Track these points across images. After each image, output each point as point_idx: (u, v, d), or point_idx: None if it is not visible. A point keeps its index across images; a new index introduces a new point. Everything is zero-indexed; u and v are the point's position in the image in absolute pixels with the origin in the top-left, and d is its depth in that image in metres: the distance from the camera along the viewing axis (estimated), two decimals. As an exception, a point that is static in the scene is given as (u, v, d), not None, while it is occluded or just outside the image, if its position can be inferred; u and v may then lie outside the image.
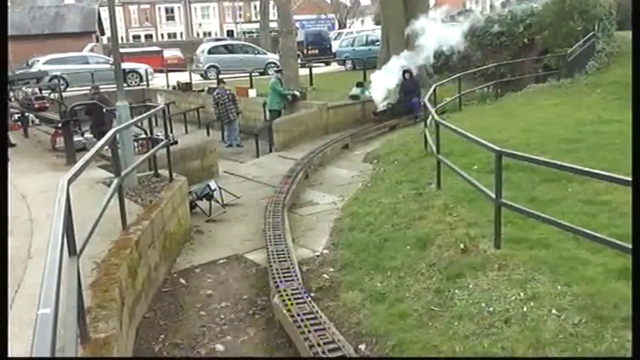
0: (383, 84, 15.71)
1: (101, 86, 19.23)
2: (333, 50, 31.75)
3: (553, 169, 6.56)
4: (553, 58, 18.21)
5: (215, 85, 16.74)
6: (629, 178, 4.02)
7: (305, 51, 30.63)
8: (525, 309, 4.43)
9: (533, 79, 17.85)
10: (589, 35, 16.98)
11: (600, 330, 4.02)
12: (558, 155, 7.50)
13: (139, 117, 7.83)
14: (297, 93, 15.95)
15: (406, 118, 15.46)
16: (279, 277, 5.67)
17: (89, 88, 14.23)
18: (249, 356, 4.16)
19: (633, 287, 2.74)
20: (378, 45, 22.89)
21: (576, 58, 16.48)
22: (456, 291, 4.99)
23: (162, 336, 5.20)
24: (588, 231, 4.58)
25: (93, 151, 4.84)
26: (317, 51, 31.57)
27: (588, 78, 16.05)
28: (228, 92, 15.26)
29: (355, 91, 16.55)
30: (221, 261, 6.88)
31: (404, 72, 15.72)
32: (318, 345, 4.37)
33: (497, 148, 5.34)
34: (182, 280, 6.36)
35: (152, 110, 8.57)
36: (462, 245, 5.61)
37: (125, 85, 11.12)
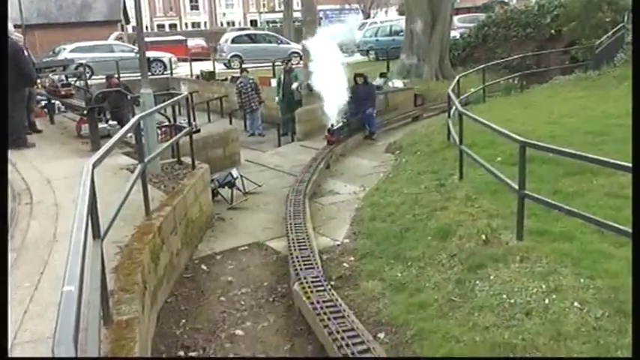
0: (338, 94, 12.37)
1: (126, 74, 19.50)
2: (356, 41, 31.60)
3: (578, 161, 6.49)
4: (580, 49, 17.96)
5: (238, 75, 16.79)
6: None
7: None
8: (547, 301, 4.40)
9: (560, 71, 17.61)
10: (618, 27, 16.66)
11: (623, 324, 3.97)
12: (583, 148, 7.38)
13: (163, 104, 7.88)
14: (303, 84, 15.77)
15: (360, 136, 12.91)
16: (300, 265, 5.68)
17: (105, 77, 14.29)
18: (261, 356, 4.16)
19: (633, 288, 2.70)
20: (402, 36, 22.75)
21: (604, 49, 16.20)
22: (477, 282, 4.96)
23: (183, 321, 5.26)
24: (613, 223, 4.51)
25: (117, 136, 4.89)
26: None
27: (616, 70, 15.74)
28: (251, 81, 15.29)
29: (378, 81, 16.48)
30: (242, 248, 6.93)
31: (356, 75, 13.06)
32: (337, 332, 4.38)
33: (521, 139, 5.28)
34: (203, 267, 6.42)
35: (176, 98, 8.62)
36: (483, 236, 5.57)
37: (149, 73, 11.22)
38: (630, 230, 3.83)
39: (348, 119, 12.33)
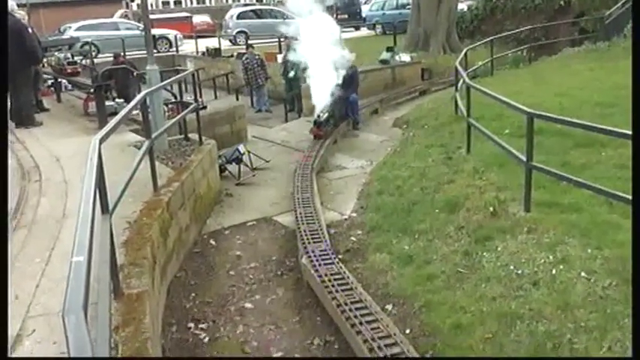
0: (326, 83, 11.19)
1: (131, 52, 19.44)
2: (363, 15, 31.30)
3: (587, 133, 6.46)
4: (590, 21, 17.71)
5: (244, 51, 16.69)
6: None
7: (335, 15, 30.25)
8: (554, 272, 4.41)
9: (569, 42, 17.40)
10: (628, -3, 16.40)
11: (630, 294, 3.97)
12: (592, 120, 7.31)
13: (169, 80, 7.87)
14: None
15: (345, 126, 11.46)
16: (308, 239, 5.71)
17: (112, 55, 14.18)
18: (271, 357, 4.20)
19: (633, 288, 2.70)
20: (409, 9, 22.49)
21: (614, 20, 15.97)
22: (485, 254, 4.97)
23: (193, 295, 5.32)
24: (621, 194, 4.49)
25: (124, 111, 4.90)
26: (347, 15, 31.14)
27: (626, 41, 15.50)
28: (257, 57, 15.20)
29: (385, 55, 16.34)
30: (250, 223, 6.96)
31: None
32: (346, 304, 4.42)
33: (529, 110, 5.25)
34: (212, 241, 6.47)
35: (182, 74, 8.61)
36: (491, 209, 5.57)
37: (155, 51, 11.15)
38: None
39: (333, 108, 10.82)
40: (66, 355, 1.49)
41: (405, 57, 17.04)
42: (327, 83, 11.10)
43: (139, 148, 6.55)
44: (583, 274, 4.29)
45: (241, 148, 8.80)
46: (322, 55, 11.11)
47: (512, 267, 4.64)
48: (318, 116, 10.28)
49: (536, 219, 5.20)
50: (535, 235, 4.98)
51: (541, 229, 5.02)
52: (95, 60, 18.25)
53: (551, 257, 4.58)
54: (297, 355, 4.38)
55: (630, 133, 4.26)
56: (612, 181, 5.72)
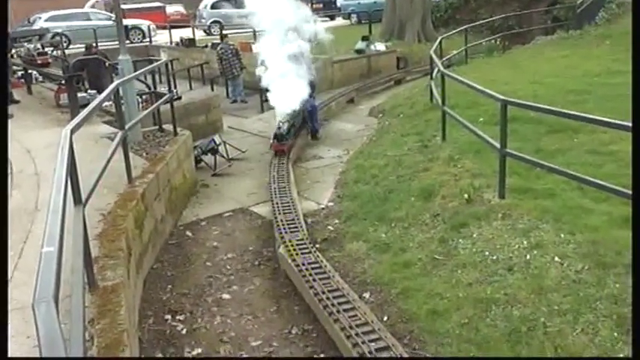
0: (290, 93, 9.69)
1: (103, 43, 19.13)
2: (338, 4, 31.20)
3: (559, 119, 6.54)
4: (562, 9, 17.88)
5: (219, 41, 16.52)
6: (628, 123, 4.00)
7: (310, 4, 30.11)
8: (529, 257, 4.46)
9: (542, 31, 17.57)
10: (599, -15, 16.61)
11: (603, 276, 4.05)
12: (566, 106, 7.37)
13: (143, 69, 7.77)
14: None
15: (305, 135, 10.12)
16: (285, 229, 5.70)
17: (84, 46, 13.88)
18: (271, 357, 4.15)
19: (633, 288, 2.75)
20: (384, -2, 22.48)
21: (586, 9, 16.17)
22: (460, 240, 5.02)
23: (170, 286, 5.28)
24: (593, 179, 4.56)
25: (96, 101, 4.82)
26: (322, 5, 31.02)
27: (598, 29, 15.74)
28: (231, 47, 15.05)
29: (360, 45, 16.34)
30: (227, 214, 6.93)
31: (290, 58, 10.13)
32: (323, 293, 4.43)
33: (503, 98, 5.28)
34: (188, 233, 6.42)
35: (155, 64, 8.50)
36: (466, 195, 5.61)
37: (127, 41, 10.99)
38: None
39: (294, 117, 9.44)
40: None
41: (381, 46, 17.06)
42: (289, 86, 9.65)
43: (113, 140, 6.47)
44: (556, 258, 4.35)
45: (217, 138, 8.75)
46: (284, 52, 9.93)
47: (487, 253, 4.69)
48: (279, 127, 8.75)
49: (511, 205, 5.26)
50: (509, 220, 5.03)
51: (515, 215, 5.08)
52: (66, 51, 17.95)
53: (525, 242, 4.64)
54: (295, 356, 4.36)
55: (603, 119, 4.32)
56: (584, 166, 5.80)
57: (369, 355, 3.64)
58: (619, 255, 4.21)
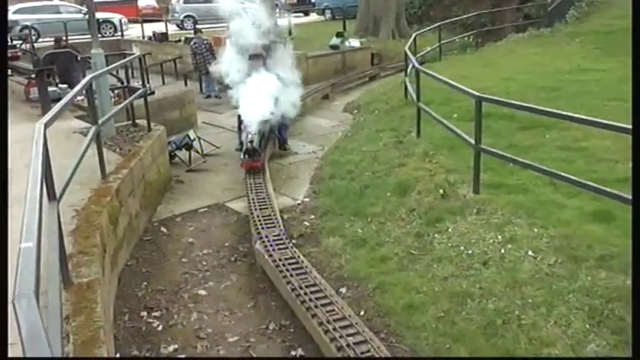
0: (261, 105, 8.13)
1: (74, 37, 18.81)
2: (312, 0, 31.15)
3: (532, 116, 6.64)
4: (534, 7, 18.14)
5: (192, 35, 16.38)
6: (601, 120, 4.11)
7: (284, 1, 30.00)
8: (503, 251, 4.53)
9: (514, 28, 17.81)
10: (570, -16, 16.89)
11: (575, 270, 4.13)
12: (538, 103, 7.52)
13: (116, 64, 7.66)
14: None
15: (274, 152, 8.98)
16: (261, 224, 5.69)
17: (54, 39, 13.55)
18: (265, 357, 4.09)
19: (633, 287, 2.81)
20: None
21: (557, 7, 16.44)
22: (436, 235, 5.07)
23: (145, 283, 5.23)
24: (565, 174, 4.64)
25: (70, 95, 4.75)
26: (296, 0, 30.95)
27: (568, 27, 16.03)
28: (205, 42, 14.93)
29: (335, 41, 16.37)
30: (202, 210, 6.89)
31: (251, 57, 9.04)
32: (300, 288, 4.43)
33: (477, 94, 5.35)
34: (163, 229, 6.37)
35: (129, 58, 8.39)
36: (441, 191, 5.67)
37: (99, 35, 10.79)
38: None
39: (263, 127, 8.13)
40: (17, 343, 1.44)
41: (355, 42, 17.10)
42: (255, 92, 8.29)
43: (86, 135, 6.38)
44: (530, 252, 4.43)
45: (191, 133, 8.67)
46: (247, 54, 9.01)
47: (462, 247, 4.75)
48: (250, 142, 7.43)
49: (485, 200, 5.33)
50: (484, 215, 5.10)
51: (490, 210, 5.15)
52: (35, 45, 17.59)
53: (499, 237, 4.71)
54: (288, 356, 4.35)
55: (574, 115, 4.41)
56: (556, 162, 5.91)
57: (350, 353, 3.66)
58: (590, 249, 4.30)
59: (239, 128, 8.71)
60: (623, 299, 3.70)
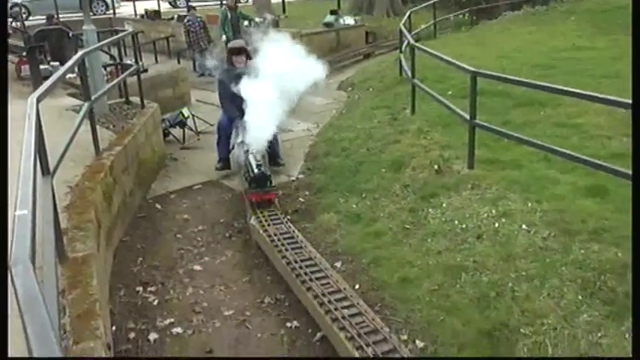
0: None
1: (65, 14, 18.60)
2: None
3: (527, 93, 6.64)
4: (529, -15, 18.01)
5: (185, 13, 16.22)
6: (591, 93, 4.11)
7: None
8: (497, 225, 4.56)
9: (509, 6, 17.74)
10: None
11: (568, 243, 4.16)
12: (533, 80, 7.54)
13: (109, 39, 7.59)
14: (256, 20, 15.34)
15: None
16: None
17: (45, 17, 13.35)
18: (266, 357, 4.08)
19: (633, 287, 2.82)
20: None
21: (552, -16, 16.34)
22: (430, 210, 5.09)
23: (140, 259, 5.23)
24: (559, 149, 4.66)
25: (62, 70, 4.71)
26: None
27: (563, 5, 15.99)
28: (199, 20, 14.79)
29: (329, 18, 16.25)
30: (196, 187, 6.88)
31: (232, 52, 7.04)
32: (295, 262, 4.45)
33: (472, 69, 5.35)
34: (158, 206, 6.36)
35: (121, 34, 8.30)
36: (436, 167, 5.68)
37: (90, 13, 10.66)
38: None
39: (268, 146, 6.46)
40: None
41: (349, 20, 16.98)
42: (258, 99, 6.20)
43: (78, 112, 6.34)
44: (524, 226, 4.45)
45: (185, 111, 8.63)
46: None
47: (456, 222, 4.77)
48: (259, 166, 5.67)
49: (479, 175, 5.35)
50: (478, 191, 5.12)
51: (484, 185, 5.17)
52: (26, 22, 17.40)
53: (493, 211, 4.73)
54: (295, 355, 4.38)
55: (567, 88, 4.41)
56: (551, 138, 5.93)
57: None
58: (583, 222, 4.33)
59: (222, 139, 7.11)
60: (614, 271, 3.74)
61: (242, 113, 6.45)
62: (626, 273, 3.70)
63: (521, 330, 3.54)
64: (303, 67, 6.61)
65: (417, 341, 3.74)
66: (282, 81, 6.26)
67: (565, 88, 4.70)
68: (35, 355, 1.20)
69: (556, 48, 10.94)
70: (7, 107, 5.81)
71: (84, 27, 7.43)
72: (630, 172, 3.56)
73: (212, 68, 13.35)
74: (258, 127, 6.10)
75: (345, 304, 3.88)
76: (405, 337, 3.77)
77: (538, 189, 4.98)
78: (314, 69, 6.70)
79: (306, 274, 4.28)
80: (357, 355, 3.43)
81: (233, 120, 6.85)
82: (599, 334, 3.36)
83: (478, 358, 3.47)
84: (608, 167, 4.19)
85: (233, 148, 7.03)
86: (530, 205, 4.72)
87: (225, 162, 7.11)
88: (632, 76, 2.96)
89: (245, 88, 6.31)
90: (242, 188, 6.05)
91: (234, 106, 6.74)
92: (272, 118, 6.17)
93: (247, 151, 6.03)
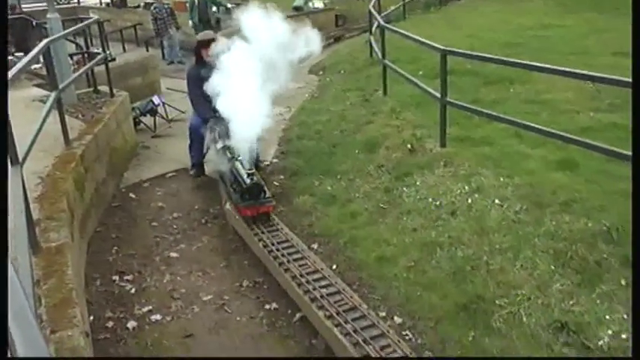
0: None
1: (28, 4, 18.15)
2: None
3: (496, 70, 6.70)
4: (496, -36, 18.07)
5: (152, 0, 15.97)
6: (560, 68, 4.17)
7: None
8: (470, 201, 4.62)
9: (476, -14, 17.76)
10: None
11: (540, 216, 4.24)
12: (501, 58, 7.62)
13: (75, 27, 7.45)
14: (228, 5, 15.16)
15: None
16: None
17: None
18: (266, 356, 3.99)
19: (633, 287, 2.87)
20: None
21: (518, -37, 16.41)
22: (404, 189, 5.14)
23: (116, 248, 5.18)
24: (530, 124, 4.73)
25: (27, 58, 4.59)
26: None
27: (530, -16, 16.08)
28: (166, 6, 14.58)
29: (299, 2, 16.18)
30: (170, 174, 6.82)
31: (202, 45, 6.29)
32: (272, 245, 4.46)
33: (442, 47, 5.37)
34: (132, 195, 6.30)
35: (86, 22, 8.15)
36: (409, 146, 5.73)
37: (55, 3, 10.43)
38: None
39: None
40: None
41: (319, 3, 16.92)
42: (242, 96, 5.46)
43: (45, 103, 6.22)
44: (496, 201, 4.53)
45: (156, 99, 8.53)
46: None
47: (430, 199, 4.83)
48: (250, 174, 5.08)
49: (452, 153, 5.40)
50: (451, 168, 5.18)
51: (456, 163, 5.23)
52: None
53: (466, 187, 4.80)
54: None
55: (532, 63, 4.46)
56: (522, 114, 5.99)
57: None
58: (554, 195, 4.42)
59: (194, 144, 6.54)
60: (585, 241, 3.82)
61: (215, 113, 5.73)
62: (596, 243, 3.78)
63: (497, 301, 3.61)
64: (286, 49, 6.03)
65: (396, 317, 3.79)
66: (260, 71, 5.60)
67: (535, 64, 4.77)
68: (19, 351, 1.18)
69: (523, 26, 11.07)
70: (7, 107, 5.69)
71: (48, 15, 7.27)
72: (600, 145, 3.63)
73: (181, 56, 13.21)
74: (243, 129, 5.35)
75: (323, 283, 3.90)
76: (383, 314, 3.81)
77: (510, 164, 5.05)
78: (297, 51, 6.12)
79: (283, 255, 4.29)
80: (335, 331, 3.45)
81: (206, 121, 6.03)
82: (571, 302, 3.44)
83: (478, 358, 3.46)
84: (579, 140, 4.27)
85: (207, 151, 6.45)
86: (502, 180, 4.79)
87: (199, 168, 6.61)
88: (632, 59, 3.01)
89: (219, 84, 5.49)
90: (228, 200, 5.37)
91: (206, 106, 5.94)
92: (257, 117, 5.36)
93: (232, 158, 5.37)
